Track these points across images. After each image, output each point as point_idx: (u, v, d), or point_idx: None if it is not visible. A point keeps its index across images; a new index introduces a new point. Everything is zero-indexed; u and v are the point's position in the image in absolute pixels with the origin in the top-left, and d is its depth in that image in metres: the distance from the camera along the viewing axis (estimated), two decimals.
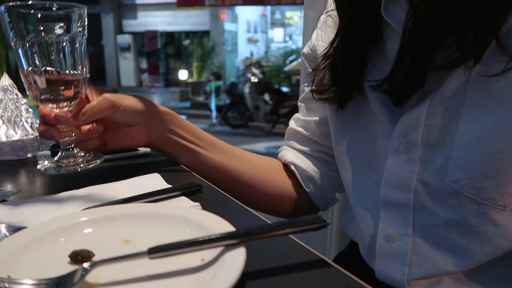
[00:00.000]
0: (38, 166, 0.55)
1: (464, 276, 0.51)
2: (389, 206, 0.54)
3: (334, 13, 0.61)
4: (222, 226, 0.36)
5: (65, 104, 0.55)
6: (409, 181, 0.51)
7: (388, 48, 0.53)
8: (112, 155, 0.69)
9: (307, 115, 0.71)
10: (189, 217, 0.39)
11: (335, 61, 0.58)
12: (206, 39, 11.77)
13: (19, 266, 0.33)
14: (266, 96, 6.98)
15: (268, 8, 14.47)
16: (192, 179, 0.57)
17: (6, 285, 0.29)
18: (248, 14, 13.77)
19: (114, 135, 0.63)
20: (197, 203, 0.47)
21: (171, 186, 0.52)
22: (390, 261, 0.54)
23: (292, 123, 0.74)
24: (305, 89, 0.71)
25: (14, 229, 0.40)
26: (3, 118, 0.71)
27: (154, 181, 0.55)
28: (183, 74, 11.04)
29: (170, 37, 13.65)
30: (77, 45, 0.54)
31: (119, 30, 14.00)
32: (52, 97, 0.53)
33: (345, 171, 0.62)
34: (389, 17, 0.49)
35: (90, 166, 0.55)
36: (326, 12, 0.66)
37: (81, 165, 0.55)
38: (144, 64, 13.91)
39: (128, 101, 0.59)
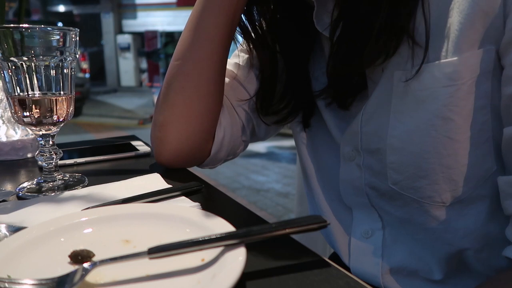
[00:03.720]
0: (17, 189, 0.53)
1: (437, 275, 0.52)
2: (356, 207, 0.57)
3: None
4: (222, 226, 0.36)
5: (50, 127, 0.53)
6: (361, 187, 0.54)
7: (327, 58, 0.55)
8: (112, 155, 0.69)
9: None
10: (189, 217, 0.39)
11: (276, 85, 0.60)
12: None
13: (19, 266, 0.33)
14: None
15: None
16: (192, 179, 0.57)
17: (6, 285, 0.29)
18: None
19: None
20: (197, 203, 0.47)
21: (171, 186, 0.52)
22: (364, 255, 0.56)
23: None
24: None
25: (14, 229, 0.39)
26: (3, 118, 0.71)
27: (154, 181, 0.54)
28: None
29: (170, 37, 13.64)
30: (65, 70, 0.52)
31: (119, 30, 13.99)
32: (36, 121, 0.51)
33: (312, 181, 0.63)
34: (319, 24, 0.51)
35: (71, 190, 0.52)
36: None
37: (62, 189, 0.53)
38: (144, 64, 13.90)
39: None
